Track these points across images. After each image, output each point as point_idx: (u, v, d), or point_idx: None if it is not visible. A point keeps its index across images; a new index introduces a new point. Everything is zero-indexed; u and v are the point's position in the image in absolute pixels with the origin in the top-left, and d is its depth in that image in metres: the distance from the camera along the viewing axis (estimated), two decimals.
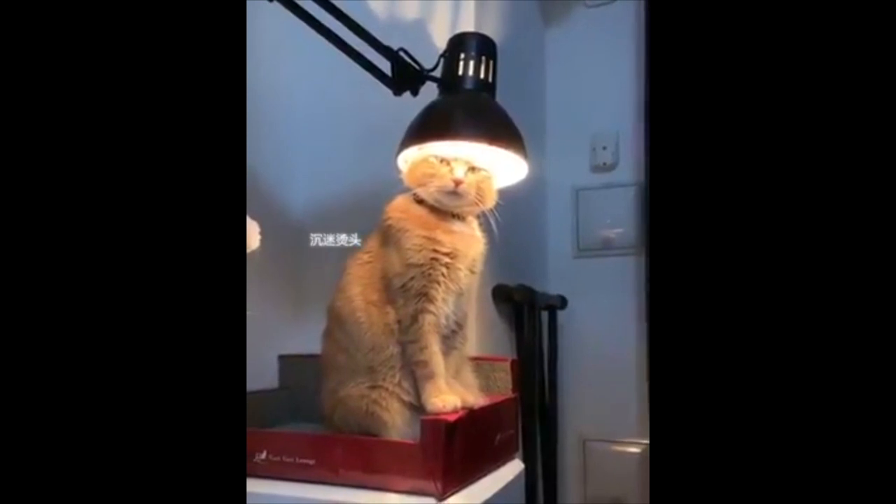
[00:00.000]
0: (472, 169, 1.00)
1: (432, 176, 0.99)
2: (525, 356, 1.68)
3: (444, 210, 1.01)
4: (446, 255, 0.99)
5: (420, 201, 1.02)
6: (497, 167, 1.05)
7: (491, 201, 1.03)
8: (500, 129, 1.01)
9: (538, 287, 1.82)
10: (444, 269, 0.99)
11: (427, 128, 1.01)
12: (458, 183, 0.99)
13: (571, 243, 2.18)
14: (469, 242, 1.03)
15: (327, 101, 1.51)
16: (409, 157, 1.04)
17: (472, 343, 1.17)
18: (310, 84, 1.50)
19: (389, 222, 1.01)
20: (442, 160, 1.00)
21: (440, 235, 0.99)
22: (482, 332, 1.45)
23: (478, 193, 1.00)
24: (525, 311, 1.69)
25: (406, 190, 1.04)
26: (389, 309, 0.99)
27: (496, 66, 1.03)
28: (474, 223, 1.06)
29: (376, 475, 0.90)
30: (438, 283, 0.99)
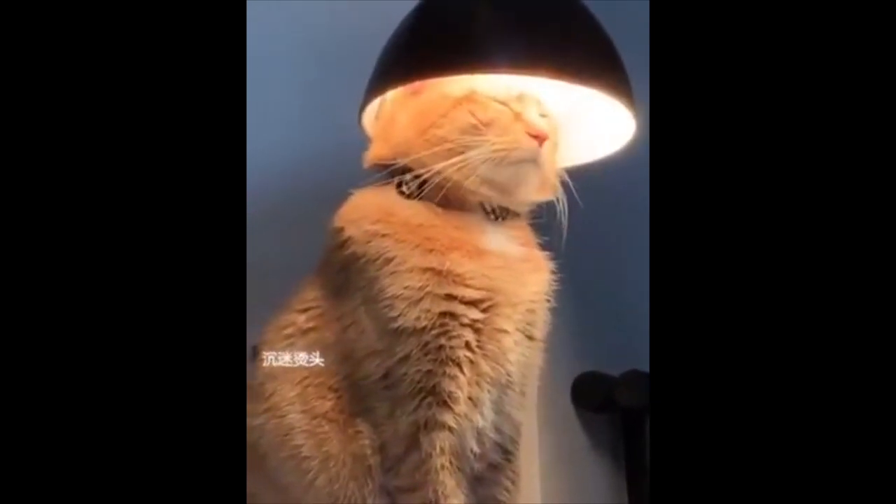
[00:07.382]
0: (543, 116, 0.75)
1: (484, 127, 0.69)
2: None
3: (466, 207, 0.71)
4: (474, 304, 0.68)
5: (411, 195, 0.72)
6: (573, 122, 0.78)
7: (556, 179, 0.74)
8: (577, 46, 0.72)
9: None
10: (469, 336, 0.68)
11: (425, 47, 0.72)
12: (541, 138, 0.69)
13: None
14: (521, 274, 0.71)
15: None
16: (397, 103, 0.76)
17: (533, 491, 0.97)
18: None
19: (352, 247, 0.70)
20: (499, 101, 0.72)
21: (461, 263, 0.68)
22: (555, 469, 1.09)
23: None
24: (646, 427, 1.16)
25: (364, 177, 0.74)
26: (361, 426, 0.70)
27: None
28: (528, 230, 0.75)
29: None
30: (459, 365, 0.68)
